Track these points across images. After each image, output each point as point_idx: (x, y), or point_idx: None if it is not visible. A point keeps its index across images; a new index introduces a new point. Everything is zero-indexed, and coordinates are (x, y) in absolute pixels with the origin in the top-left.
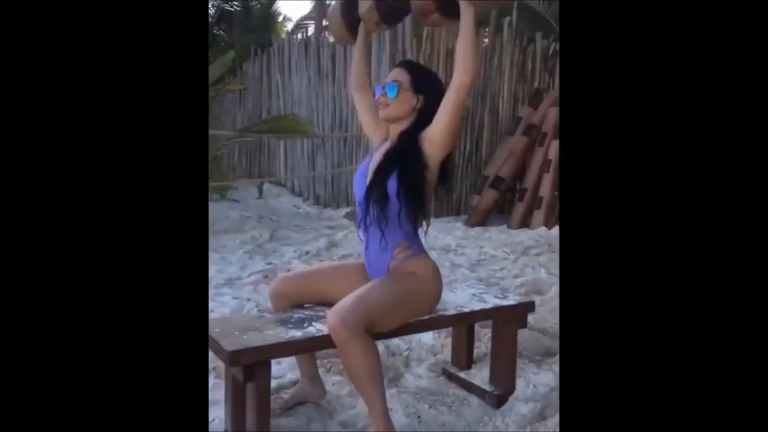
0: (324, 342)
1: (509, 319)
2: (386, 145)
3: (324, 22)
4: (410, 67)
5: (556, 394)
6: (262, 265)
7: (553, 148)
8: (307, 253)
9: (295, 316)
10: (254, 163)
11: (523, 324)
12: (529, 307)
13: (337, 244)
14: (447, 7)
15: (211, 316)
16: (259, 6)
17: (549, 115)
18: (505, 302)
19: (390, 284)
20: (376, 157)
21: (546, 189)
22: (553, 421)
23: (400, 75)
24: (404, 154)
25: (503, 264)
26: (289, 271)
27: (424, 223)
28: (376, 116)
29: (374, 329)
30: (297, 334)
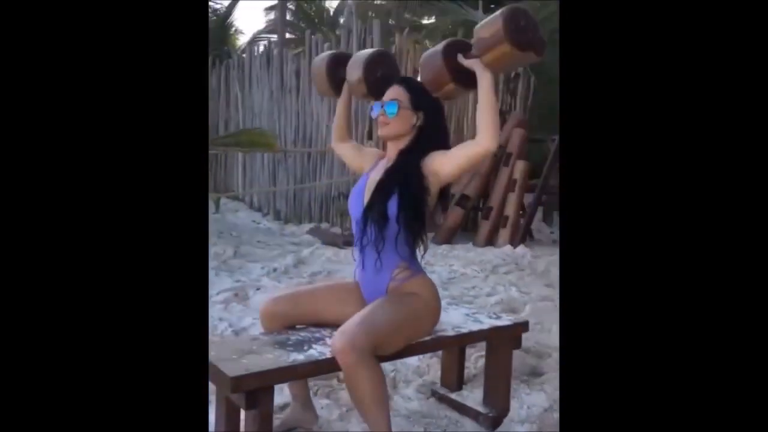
0: (329, 365)
1: (505, 340)
2: (383, 163)
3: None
4: (409, 84)
5: (550, 415)
6: (230, 283)
7: (518, 169)
8: (275, 270)
9: (292, 338)
10: (210, 177)
11: (518, 345)
12: (524, 327)
13: (304, 261)
14: (462, 76)
15: None
16: (215, 18)
17: (513, 136)
18: (500, 322)
19: (394, 306)
20: (374, 175)
21: (511, 208)
22: None
23: (399, 93)
24: (406, 176)
25: (474, 282)
26: (258, 289)
27: (421, 246)
28: (361, 155)
29: (379, 352)
30: (299, 357)
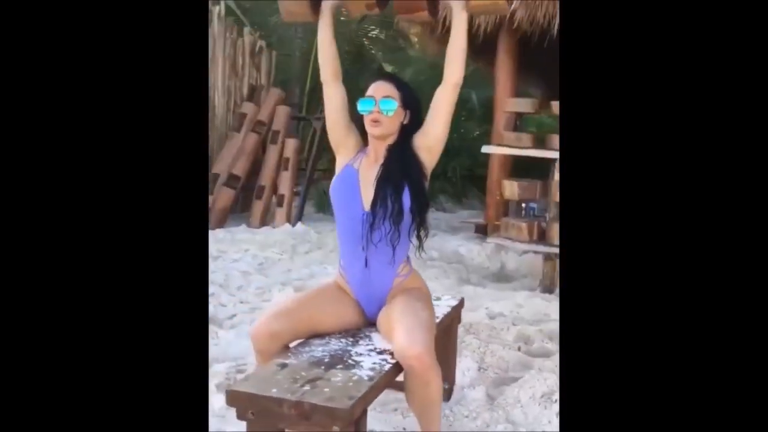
0: (393, 375)
1: (456, 318)
2: (370, 159)
3: None
4: (398, 82)
5: (486, 374)
6: None
7: (289, 147)
8: None
9: (316, 355)
10: None
11: (460, 320)
12: (462, 303)
13: None
14: (433, 7)
15: None
16: None
17: (278, 113)
18: (454, 302)
19: (421, 302)
20: (365, 170)
21: (286, 187)
22: (507, 394)
23: (391, 91)
24: (411, 169)
25: (288, 265)
26: None
27: (422, 235)
28: (347, 117)
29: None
30: (366, 373)
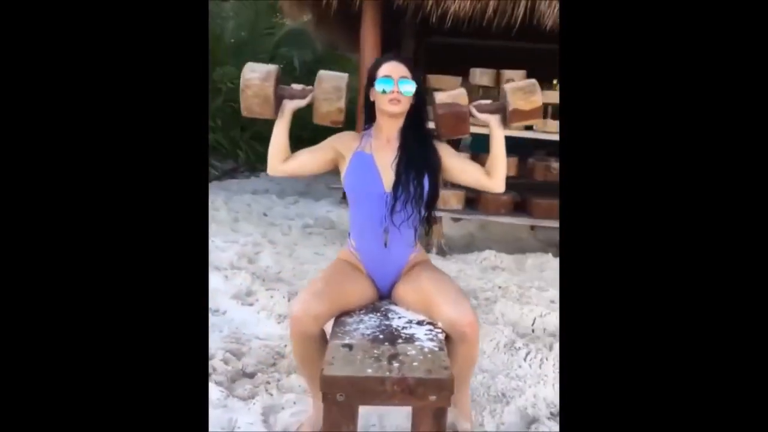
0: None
1: None
2: (382, 141)
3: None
4: (407, 62)
5: None
6: None
7: None
8: None
9: (365, 333)
10: None
11: None
12: None
13: None
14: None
15: None
16: None
17: None
18: None
19: (443, 273)
20: (382, 153)
21: None
22: None
23: (407, 72)
24: (432, 155)
25: None
26: None
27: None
28: (325, 149)
29: None
30: (429, 344)
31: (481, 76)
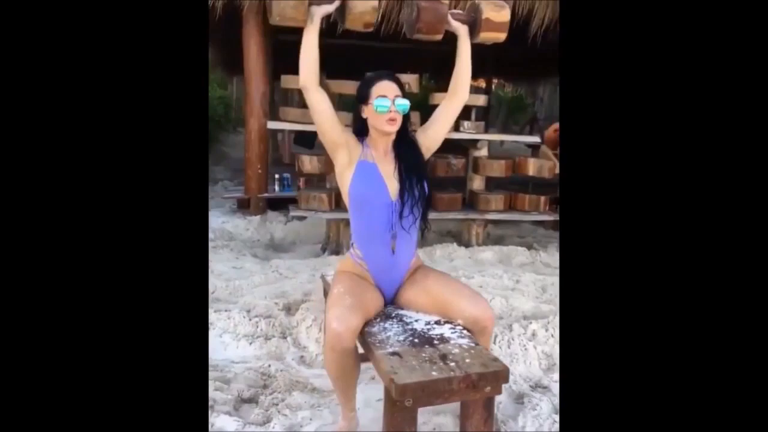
0: None
1: None
2: (380, 152)
3: None
4: (396, 79)
5: None
6: None
7: None
8: None
9: (400, 340)
10: None
11: None
12: None
13: None
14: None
15: None
16: None
17: None
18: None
19: (444, 274)
20: (385, 164)
21: None
22: None
23: (398, 90)
24: (423, 162)
25: None
26: None
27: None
28: (344, 131)
29: None
30: (466, 341)
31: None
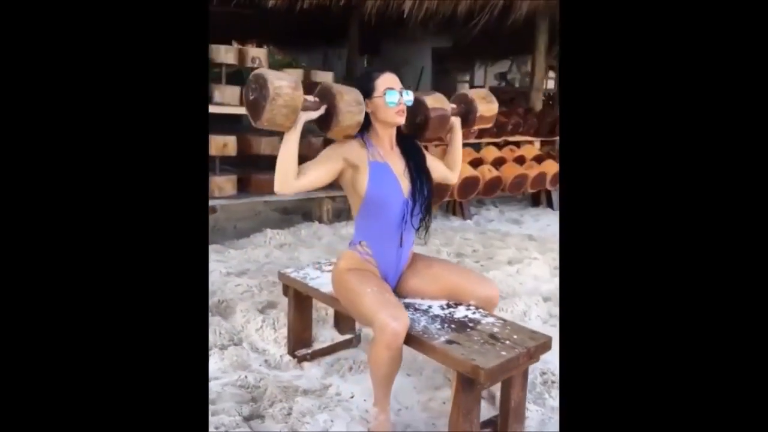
0: None
1: None
2: (386, 148)
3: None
4: (398, 75)
5: None
6: None
7: None
8: None
9: (439, 327)
10: None
11: None
12: None
13: None
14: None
15: None
16: None
17: None
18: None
19: (441, 259)
20: (394, 161)
21: None
22: None
23: (400, 83)
24: (425, 160)
25: None
26: None
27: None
28: (337, 155)
29: None
30: (495, 320)
31: (226, 53)
